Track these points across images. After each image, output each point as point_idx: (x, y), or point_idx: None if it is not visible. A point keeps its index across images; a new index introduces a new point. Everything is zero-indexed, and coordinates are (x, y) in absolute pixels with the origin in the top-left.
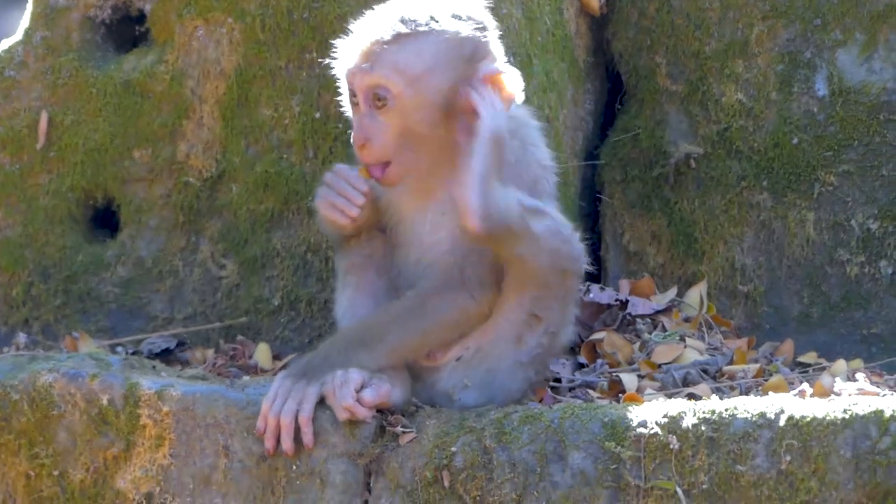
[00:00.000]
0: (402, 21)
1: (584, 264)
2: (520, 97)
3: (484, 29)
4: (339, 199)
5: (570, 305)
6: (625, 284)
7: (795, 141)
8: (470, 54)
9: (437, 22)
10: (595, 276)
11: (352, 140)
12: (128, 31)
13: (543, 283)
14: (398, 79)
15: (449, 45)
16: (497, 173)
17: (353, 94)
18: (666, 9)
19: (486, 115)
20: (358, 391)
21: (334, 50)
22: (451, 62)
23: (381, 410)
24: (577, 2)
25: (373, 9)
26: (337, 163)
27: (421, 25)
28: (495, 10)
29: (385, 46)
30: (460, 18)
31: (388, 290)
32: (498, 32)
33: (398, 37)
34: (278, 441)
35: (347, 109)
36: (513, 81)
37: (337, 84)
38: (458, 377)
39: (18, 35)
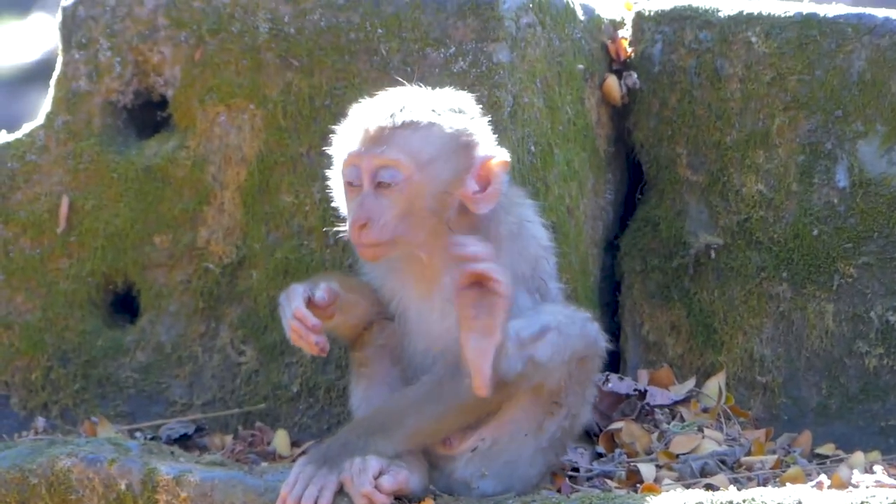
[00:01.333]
0: (410, 110)
1: (603, 344)
2: (505, 181)
3: (475, 120)
4: (303, 331)
5: (590, 386)
6: (643, 374)
7: (815, 232)
8: (467, 143)
9: (439, 115)
10: (614, 366)
11: (349, 221)
12: (150, 117)
13: (568, 376)
14: (409, 161)
15: (453, 136)
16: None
17: (351, 178)
18: (687, 99)
19: (505, 280)
20: (376, 478)
21: (331, 136)
22: (455, 152)
23: (398, 498)
24: (598, 91)
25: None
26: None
27: (428, 115)
28: (517, 99)
29: (397, 130)
30: (457, 111)
31: (402, 378)
32: (486, 120)
33: (409, 123)
34: None
35: (338, 196)
36: (502, 165)
37: None
38: (475, 467)
39: (40, 119)
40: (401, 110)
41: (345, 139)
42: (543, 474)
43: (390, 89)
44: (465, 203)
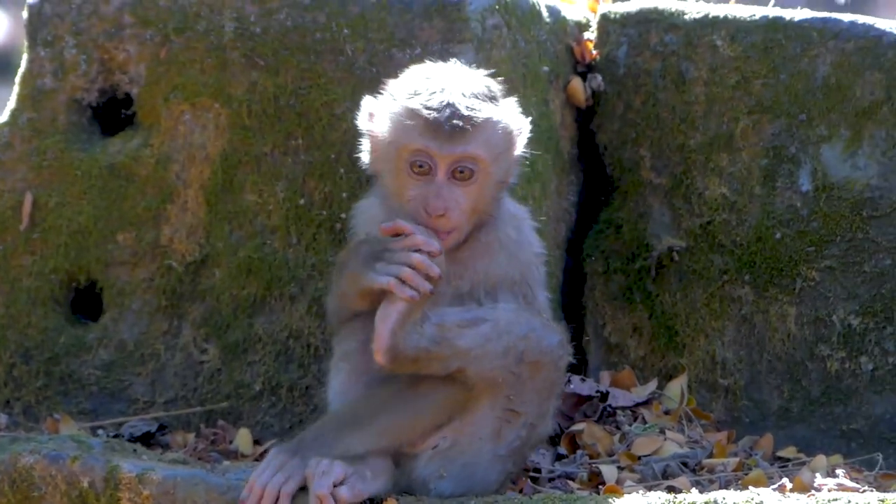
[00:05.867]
0: (482, 103)
1: (564, 354)
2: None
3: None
4: (414, 275)
5: (551, 398)
6: (605, 376)
7: (778, 236)
8: (519, 134)
9: (501, 106)
10: (576, 368)
11: (427, 208)
12: (114, 114)
13: (512, 379)
14: (486, 155)
15: (515, 128)
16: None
17: (422, 164)
18: (651, 102)
19: (423, 252)
20: (336, 485)
21: (382, 113)
22: (514, 143)
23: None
24: (562, 93)
25: (365, 95)
26: (323, 249)
27: (496, 108)
28: None
29: (477, 126)
30: (500, 97)
31: (381, 377)
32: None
33: (486, 118)
34: None
35: (392, 174)
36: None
37: (321, 171)
38: (434, 467)
39: (4, 116)
40: (473, 104)
41: (408, 122)
42: (502, 482)
43: (427, 66)
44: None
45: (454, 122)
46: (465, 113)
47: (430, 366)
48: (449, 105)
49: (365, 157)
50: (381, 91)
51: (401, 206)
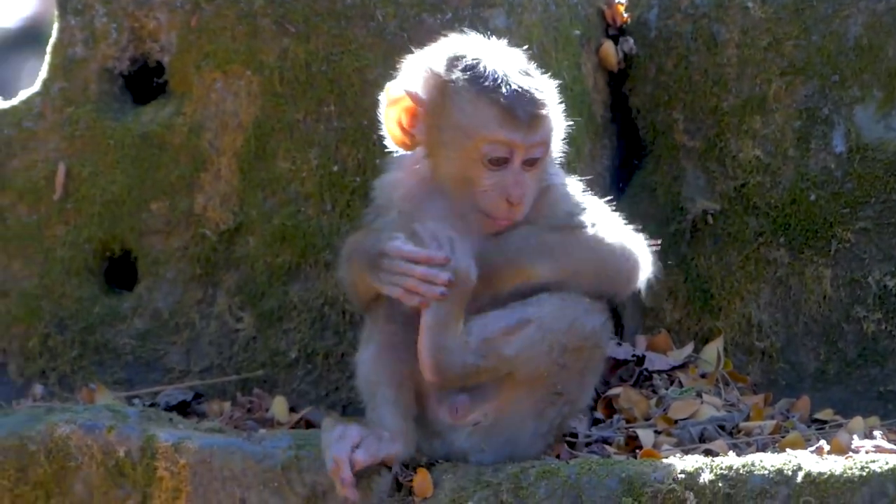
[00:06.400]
0: (544, 84)
1: (605, 338)
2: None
3: None
4: (419, 283)
5: (591, 376)
6: (641, 340)
7: (813, 197)
8: None
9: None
10: (612, 331)
11: (510, 198)
12: (146, 83)
13: (556, 369)
14: (550, 139)
15: (557, 99)
16: (459, 313)
17: (499, 155)
18: (684, 65)
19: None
20: (354, 448)
21: (439, 93)
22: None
23: (388, 465)
24: (594, 57)
25: (397, 63)
26: (357, 216)
27: (552, 90)
28: None
29: (547, 111)
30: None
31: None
32: None
33: (551, 103)
34: None
35: (457, 160)
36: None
37: (354, 137)
38: (475, 441)
39: (36, 86)
40: (539, 87)
41: (484, 111)
42: (541, 453)
43: (466, 40)
44: None
45: (532, 111)
46: (539, 99)
47: (479, 377)
48: (524, 92)
49: (398, 130)
50: (417, 64)
51: (458, 191)
